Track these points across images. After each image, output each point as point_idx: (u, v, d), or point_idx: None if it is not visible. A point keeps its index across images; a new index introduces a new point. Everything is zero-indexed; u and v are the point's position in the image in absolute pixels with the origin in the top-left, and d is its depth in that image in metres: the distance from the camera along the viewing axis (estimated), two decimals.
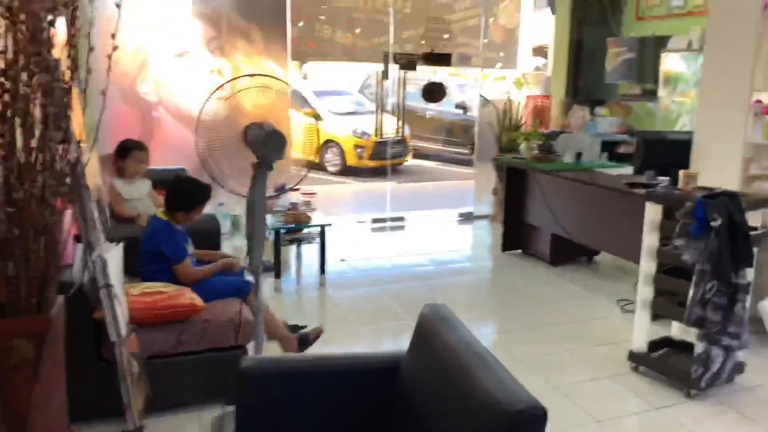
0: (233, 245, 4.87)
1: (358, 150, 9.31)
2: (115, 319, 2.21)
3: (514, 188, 5.13)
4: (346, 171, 9.38)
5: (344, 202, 7.72)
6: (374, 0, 6.67)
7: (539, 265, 4.89)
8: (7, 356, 1.83)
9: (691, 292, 2.78)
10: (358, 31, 6.54)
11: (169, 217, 2.98)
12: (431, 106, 9.08)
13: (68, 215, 2.09)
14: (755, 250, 2.91)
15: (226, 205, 4.88)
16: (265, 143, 2.41)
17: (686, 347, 2.99)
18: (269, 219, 4.16)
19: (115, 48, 1.73)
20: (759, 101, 3.88)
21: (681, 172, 3.17)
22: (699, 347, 2.82)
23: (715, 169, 3.84)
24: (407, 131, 9.26)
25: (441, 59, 6.24)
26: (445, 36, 6.93)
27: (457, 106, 10.06)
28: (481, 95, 6.53)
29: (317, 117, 9.02)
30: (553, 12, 6.98)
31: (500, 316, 4.01)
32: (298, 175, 2.84)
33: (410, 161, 9.98)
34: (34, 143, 1.75)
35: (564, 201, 4.65)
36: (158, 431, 2.51)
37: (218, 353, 2.70)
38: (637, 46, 5.88)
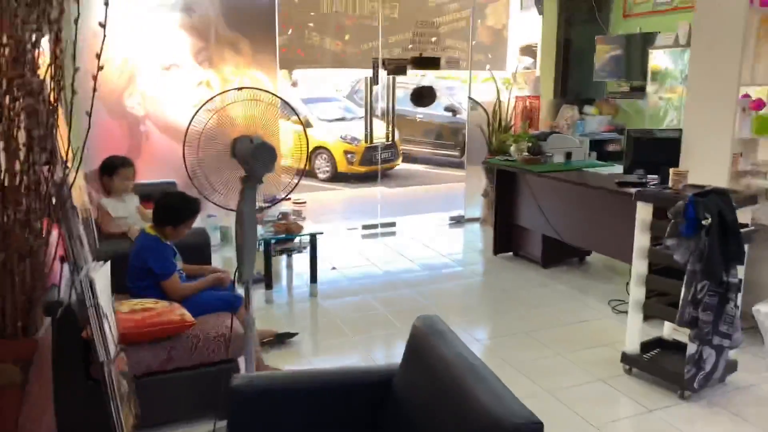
0: (223, 257, 4.85)
1: (348, 156, 9.31)
2: (103, 338, 2.19)
3: (504, 191, 5.14)
4: (337, 177, 9.37)
5: (335, 209, 7.71)
6: (362, 6, 6.67)
7: (531, 268, 4.89)
8: None
9: (682, 292, 2.79)
10: (347, 37, 6.53)
11: (158, 232, 2.96)
12: (421, 109, 9.11)
13: (54, 235, 2.07)
14: (746, 247, 2.92)
15: (215, 217, 4.87)
16: (253, 156, 2.39)
17: (678, 347, 3.00)
18: (259, 229, 4.14)
19: (100, 68, 1.71)
20: (747, 96, 3.90)
21: (671, 171, 3.18)
22: (691, 347, 2.83)
23: (705, 165, 3.86)
24: (397, 136, 9.27)
25: (430, 63, 6.24)
26: (433, 39, 6.93)
27: (447, 109, 10.08)
28: (470, 98, 6.54)
29: (306, 124, 9.01)
30: (540, 12, 7.00)
31: (493, 320, 4.01)
32: (288, 185, 2.82)
33: (401, 165, 9.99)
34: (18, 167, 1.73)
35: (554, 202, 4.66)
36: None
37: (209, 368, 2.69)
38: (624, 43, 5.91)
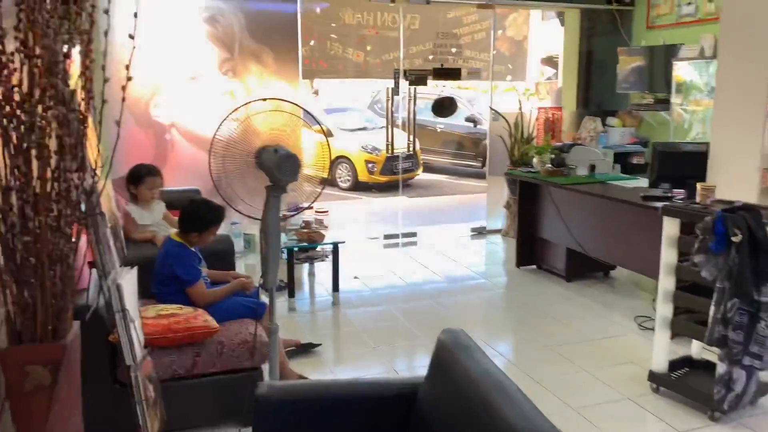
0: (246, 263, 4.87)
1: (369, 165, 9.33)
2: (130, 343, 2.21)
3: (527, 202, 5.10)
4: (358, 186, 9.40)
5: (356, 218, 7.71)
6: (384, 17, 6.71)
7: (554, 281, 4.84)
8: (23, 382, 1.83)
9: (711, 311, 2.73)
10: (369, 48, 6.57)
11: (183, 239, 2.99)
12: (441, 120, 9.10)
13: (83, 241, 2.09)
14: None
15: (239, 224, 4.89)
16: (278, 166, 2.41)
17: (707, 367, 2.94)
18: (282, 237, 4.16)
19: (129, 78, 1.74)
20: None
21: (698, 185, 3.13)
22: (721, 368, 2.76)
23: (733, 180, 3.79)
24: (417, 145, 9.27)
25: (451, 74, 6.24)
26: (454, 50, 6.94)
27: (467, 120, 10.06)
28: (491, 108, 6.52)
29: (327, 134, 9.06)
30: (562, 23, 6.98)
31: (515, 334, 3.97)
32: (312, 194, 2.83)
33: (421, 175, 9.98)
34: (49, 174, 1.76)
35: (578, 215, 4.61)
36: None
37: (233, 375, 2.70)
38: (647, 54, 5.86)
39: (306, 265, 4.82)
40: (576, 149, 4.95)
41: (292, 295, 4.26)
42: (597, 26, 6.65)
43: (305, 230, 4.33)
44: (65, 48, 1.76)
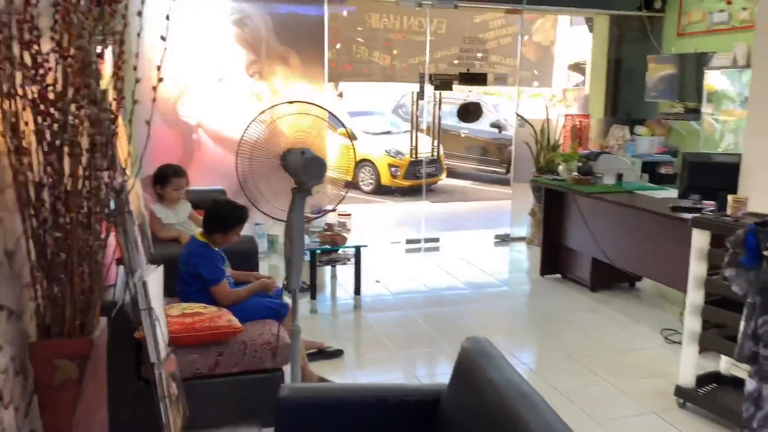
0: (270, 264, 4.90)
1: (392, 169, 9.34)
2: (154, 340, 2.23)
3: (552, 210, 5.05)
4: (380, 190, 9.40)
5: (378, 221, 7.71)
6: (410, 21, 6.71)
7: (579, 291, 4.77)
8: (52, 376, 1.86)
9: (741, 326, 2.66)
10: (395, 52, 6.58)
11: (208, 239, 3.01)
12: (466, 125, 9.07)
13: (112, 238, 2.12)
14: None
15: (263, 225, 4.93)
16: (304, 169, 2.41)
17: (737, 383, 2.87)
18: (305, 239, 4.17)
19: (160, 80, 1.76)
20: None
21: (730, 197, 3.06)
22: (750, 384, 2.69)
23: (766, 193, 3.70)
24: (441, 150, 9.23)
25: (476, 79, 6.22)
26: (480, 55, 6.92)
27: (493, 125, 10.01)
28: (517, 114, 6.47)
29: (352, 137, 9.09)
30: (590, 30, 6.91)
31: (538, 343, 3.92)
32: (336, 197, 2.84)
33: (445, 180, 9.95)
34: (81, 171, 1.79)
35: (605, 224, 4.55)
36: None
37: (255, 375, 2.71)
38: (678, 62, 5.76)
39: (328, 268, 4.83)
40: (603, 157, 4.88)
41: (314, 297, 4.27)
42: (626, 33, 6.57)
43: (328, 233, 4.35)
44: (98, 49, 1.79)
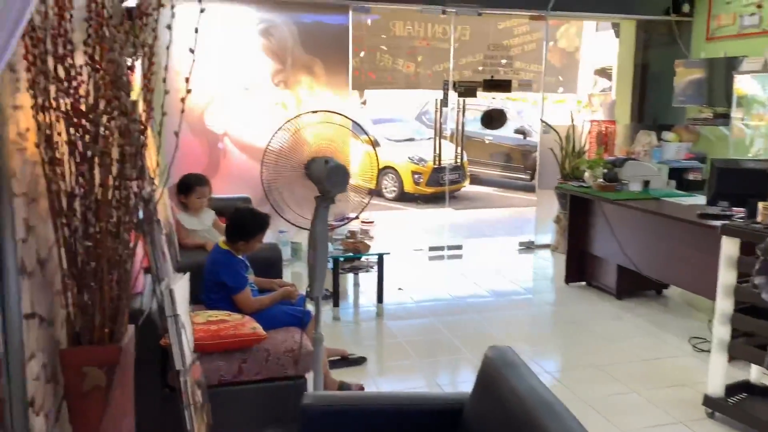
0: (293, 271, 4.94)
1: (416, 176, 9.34)
2: (180, 348, 2.27)
3: (577, 217, 5.00)
4: (404, 197, 9.41)
5: (401, 229, 7.72)
6: (434, 28, 6.73)
7: (604, 298, 4.71)
8: (81, 383, 1.90)
9: None
10: (419, 59, 6.60)
11: (231, 247, 3.05)
12: (490, 131, 9.03)
13: (140, 247, 2.17)
14: None
15: (287, 233, 4.97)
16: (328, 177, 2.44)
17: (767, 393, 2.80)
18: (328, 247, 4.19)
19: (188, 91, 1.80)
20: None
21: (760, 204, 3.01)
22: None
23: None
24: (465, 157, 9.20)
25: (501, 86, 6.20)
26: (504, 61, 6.90)
27: (517, 132, 9.96)
28: (542, 121, 6.43)
29: (375, 144, 9.13)
30: (617, 35, 6.84)
31: (563, 352, 3.88)
32: (359, 204, 2.86)
33: (468, 187, 9.91)
34: (110, 181, 1.83)
35: (631, 231, 4.49)
36: None
37: (278, 383, 2.73)
38: (707, 67, 5.67)
39: (351, 275, 4.85)
40: (629, 164, 4.82)
41: (336, 304, 4.29)
42: (653, 37, 6.49)
43: (351, 240, 4.36)
44: (129, 61, 1.83)
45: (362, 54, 6.30)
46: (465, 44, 6.78)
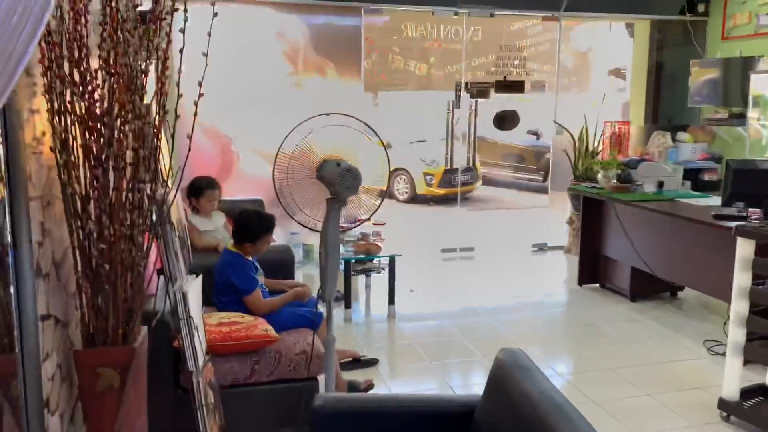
0: (305, 273, 4.95)
1: (427, 178, 9.33)
2: (193, 349, 2.29)
3: (591, 219, 4.97)
4: (416, 199, 9.40)
5: (413, 230, 7.71)
6: (447, 29, 6.72)
7: (618, 301, 4.68)
8: (95, 384, 1.92)
9: None
10: (432, 60, 6.60)
11: (239, 249, 3.07)
12: (503, 133, 9.01)
13: (153, 249, 2.19)
14: None
15: (299, 235, 4.99)
16: (340, 180, 2.44)
17: None
18: (340, 249, 4.20)
19: (201, 95, 1.82)
20: None
21: None
22: None
23: None
24: (477, 159, 9.19)
25: (514, 87, 6.18)
26: (517, 62, 6.87)
27: (530, 133, 9.91)
28: (555, 122, 6.40)
29: (387, 146, 9.12)
30: (631, 35, 6.79)
31: (576, 354, 3.86)
32: (371, 206, 2.86)
33: (480, 189, 9.88)
34: (124, 184, 1.85)
35: (645, 233, 4.45)
36: None
37: (289, 384, 2.74)
38: (722, 67, 5.62)
39: (362, 277, 4.85)
40: (643, 165, 4.79)
41: (348, 306, 4.30)
42: (668, 38, 6.44)
43: (362, 242, 4.37)
44: (143, 65, 1.85)
45: (374, 56, 6.30)
46: (477, 45, 6.76)
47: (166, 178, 2.24)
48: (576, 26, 7.51)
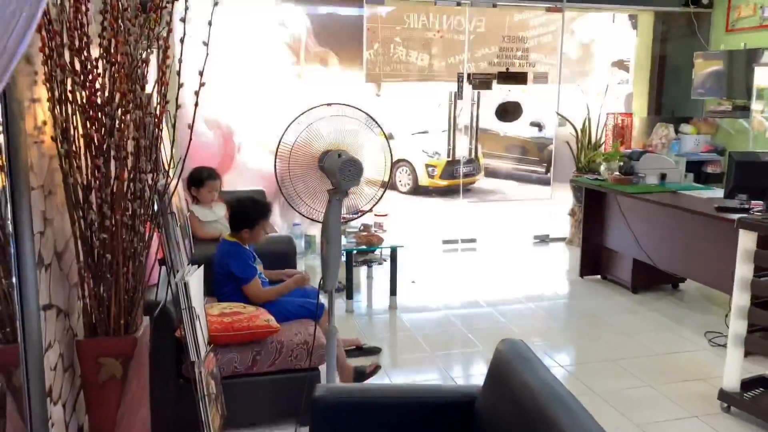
0: (307, 264, 4.96)
1: (430, 169, 9.31)
2: (195, 339, 2.29)
3: (593, 210, 4.96)
4: (418, 190, 9.39)
5: (415, 222, 7.71)
6: (449, 20, 6.68)
7: (619, 292, 4.68)
8: (97, 373, 1.93)
9: None
10: (434, 51, 6.56)
11: (237, 238, 3.07)
12: (506, 124, 8.98)
13: (155, 239, 2.19)
14: None
15: (300, 225, 4.99)
16: (341, 171, 2.44)
17: None
18: (342, 240, 4.20)
19: (202, 84, 1.81)
20: None
21: None
22: None
23: None
24: (480, 150, 9.17)
25: (516, 78, 6.16)
26: (520, 53, 6.83)
27: (532, 124, 9.88)
28: (557, 113, 6.37)
29: (389, 137, 9.10)
30: (634, 27, 6.76)
31: (577, 346, 3.86)
32: (372, 197, 2.86)
33: (483, 180, 9.86)
34: (126, 174, 1.85)
35: (647, 225, 4.45)
36: None
37: (291, 374, 2.75)
38: (726, 59, 5.59)
39: (364, 268, 4.86)
40: (646, 157, 4.77)
41: (350, 297, 4.31)
42: (672, 29, 6.41)
43: (364, 233, 4.37)
44: (144, 54, 1.85)
45: (376, 46, 6.27)
46: (480, 36, 6.72)
47: (167, 169, 2.24)
48: (579, 17, 7.46)
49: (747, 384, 2.97)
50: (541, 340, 3.80)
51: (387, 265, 4.42)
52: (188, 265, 2.46)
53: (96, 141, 1.81)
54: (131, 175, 1.88)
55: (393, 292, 4.37)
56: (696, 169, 5.67)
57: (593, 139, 6.05)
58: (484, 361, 3.47)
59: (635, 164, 4.71)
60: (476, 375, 3.40)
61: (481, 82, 6.02)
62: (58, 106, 1.76)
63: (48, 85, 1.74)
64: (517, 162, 10.51)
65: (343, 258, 4.23)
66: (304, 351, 2.73)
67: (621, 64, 8.70)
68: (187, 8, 1.83)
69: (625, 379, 3.29)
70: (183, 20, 1.83)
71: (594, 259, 5.01)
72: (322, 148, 2.62)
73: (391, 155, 2.91)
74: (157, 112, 1.90)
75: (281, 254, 3.49)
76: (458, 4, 5.64)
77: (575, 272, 5.09)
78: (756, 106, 5.25)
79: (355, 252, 4.34)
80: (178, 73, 1.81)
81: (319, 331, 2.84)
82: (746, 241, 2.89)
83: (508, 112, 6.34)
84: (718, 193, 4.24)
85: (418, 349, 3.69)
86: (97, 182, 1.83)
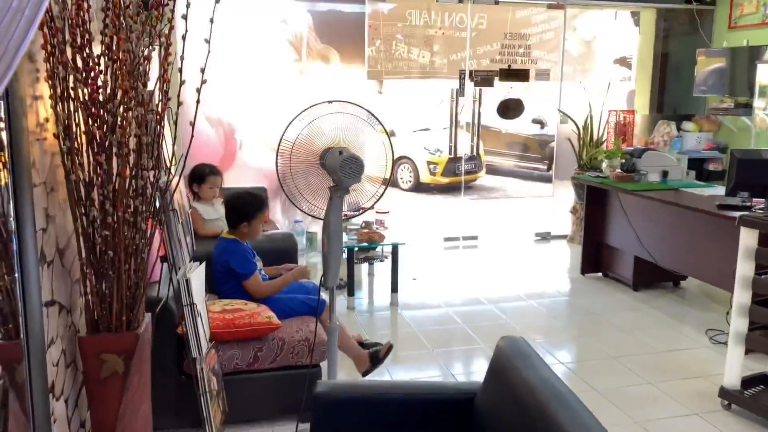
0: (308, 261, 4.96)
1: (431, 166, 9.31)
2: (196, 336, 2.30)
3: (594, 208, 4.96)
4: (419, 188, 9.39)
5: (416, 219, 7.71)
6: (451, 17, 6.67)
7: (621, 290, 4.68)
8: (99, 369, 1.94)
9: None
10: (436, 48, 6.55)
11: (235, 235, 3.08)
12: (507, 121, 8.96)
13: (156, 236, 2.20)
14: None
15: (302, 223, 5.00)
16: (342, 168, 2.44)
17: None
18: (343, 237, 4.21)
19: (204, 82, 1.81)
20: None
21: None
22: None
23: None
24: (481, 147, 9.16)
25: (518, 75, 6.15)
26: (522, 50, 6.82)
27: (534, 121, 9.86)
28: (559, 110, 6.37)
29: (390, 134, 9.10)
30: (636, 24, 6.74)
31: (578, 343, 3.86)
32: (374, 195, 2.86)
33: (484, 177, 9.85)
34: (128, 171, 1.86)
35: (649, 222, 4.44)
36: None
37: (292, 371, 2.76)
38: (729, 56, 5.58)
39: (365, 265, 4.86)
40: (648, 154, 4.77)
41: (351, 294, 4.31)
42: (674, 27, 6.39)
43: (366, 230, 4.37)
44: (145, 51, 1.85)
45: (378, 43, 6.27)
46: (482, 33, 6.71)
47: (169, 166, 2.25)
48: (581, 14, 7.45)
49: (748, 381, 2.97)
50: (541, 337, 3.81)
51: (388, 262, 4.43)
52: (190, 262, 2.47)
53: (98, 138, 1.81)
54: (133, 172, 1.88)
55: (394, 289, 4.38)
56: (698, 166, 5.66)
57: (595, 137, 6.04)
58: (485, 358, 3.47)
59: (637, 161, 4.71)
60: (477, 372, 3.40)
61: (483, 79, 6.02)
62: (60, 103, 1.77)
63: (50, 82, 1.75)
64: (519, 159, 10.50)
65: (345, 255, 4.24)
66: (306, 348, 2.74)
67: (623, 61, 8.68)
68: (188, 5, 1.84)
69: (626, 377, 3.30)
70: (185, 17, 1.83)
71: (595, 257, 5.01)
72: (324, 145, 2.63)
73: (393, 152, 2.91)
74: (159, 109, 1.90)
75: (282, 251, 3.49)
76: (460, 1, 5.64)
77: (576, 269, 5.09)
78: (758, 103, 5.24)
79: (356, 249, 4.35)
80: (180, 71, 1.81)
81: (320, 327, 2.84)
82: (747, 238, 2.89)
83: (509, 109, 6.33)
84: (719, 190, 4.24)
85: (419, 346, 3.70)
86: (99, 179, 1.84)
